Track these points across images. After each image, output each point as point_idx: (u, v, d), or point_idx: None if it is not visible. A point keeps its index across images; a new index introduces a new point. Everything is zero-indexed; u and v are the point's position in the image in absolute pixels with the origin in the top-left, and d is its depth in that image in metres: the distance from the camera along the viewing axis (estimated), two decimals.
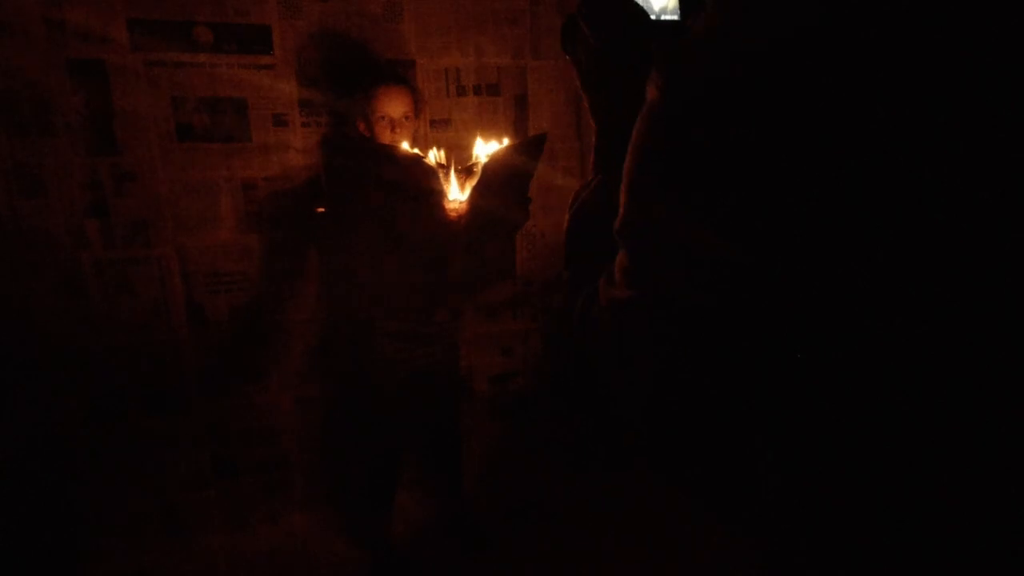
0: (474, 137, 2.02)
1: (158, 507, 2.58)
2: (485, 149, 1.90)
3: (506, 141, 1.91)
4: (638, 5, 0.98)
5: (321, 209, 2.28)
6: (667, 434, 0.91)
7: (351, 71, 2.50)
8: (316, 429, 2.76)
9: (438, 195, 1.81)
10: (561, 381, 3.07)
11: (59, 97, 2.22)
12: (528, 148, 1.96)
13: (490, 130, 2.74)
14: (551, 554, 2.52)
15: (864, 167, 0.71)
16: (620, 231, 0.82)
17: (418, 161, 1.80)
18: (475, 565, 2.51)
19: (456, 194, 1.84)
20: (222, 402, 2.60)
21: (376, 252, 2.03)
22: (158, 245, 2.41)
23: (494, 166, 1.80)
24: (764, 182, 0.72)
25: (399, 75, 2.43)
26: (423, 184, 1.80)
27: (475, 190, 1.82)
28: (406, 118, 2.23)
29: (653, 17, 1.05)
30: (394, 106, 2.21)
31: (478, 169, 1.83)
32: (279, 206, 2.53)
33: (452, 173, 1.84)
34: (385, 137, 2.21)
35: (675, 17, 1.06)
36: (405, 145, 2.07)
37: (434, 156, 1.90)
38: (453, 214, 1.82)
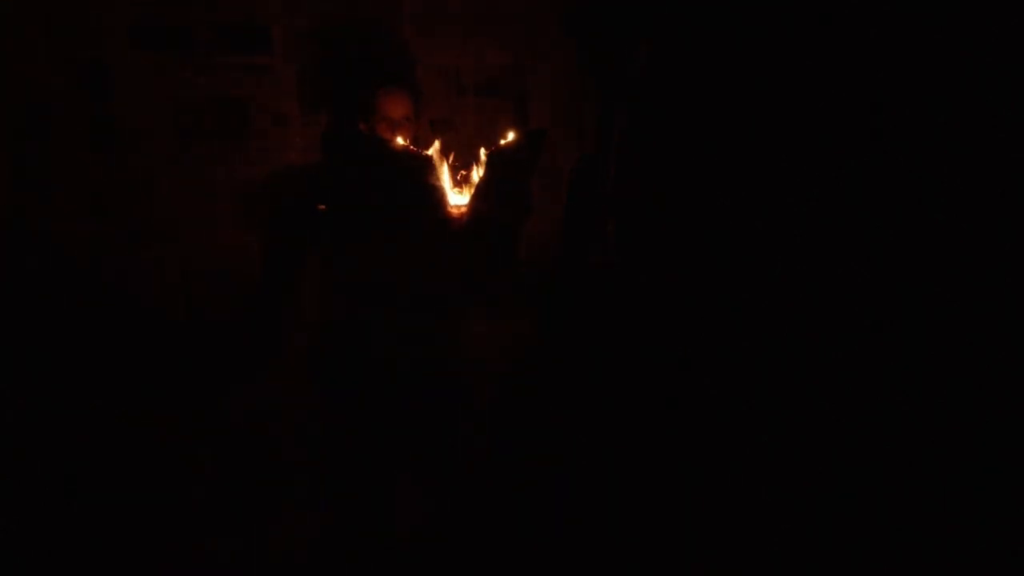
0: (474, 140, 2.04)
1: (157, 507, 2.58)
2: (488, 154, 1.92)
3: (511, 135, 1.92)
4: None
5: (322, 207, 2.28)
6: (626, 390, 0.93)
7: (351, 71, 2.50)
8: (316, 428, 2.75)
9: (439, 191, 1.83)
10: (552, 346, 3.02)
11: (59, 97, 2.22)
12: (529, 143, 1.98)
13: (490, 131, 2.74)
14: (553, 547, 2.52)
15: (864, 167, 0.72)
16: (610, 201, 0.84)
17: (417, 156, 1.82)
18: (478, 559, 2.51)
19: (457, 199, 1.86)
20: (221, 402, 2.60)
21: (376, 250, 2.04)
22: (158, 245, 2.41)
23: (495, 163, 1.82)
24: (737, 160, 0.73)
25: (400, 76, 2.43)
26: (422, 180, 1.82)
27: (477, 187, 1.83)
28: (407, 120, 2.24)
29: None
30: (394, 108, 2.22)
31: (479, 166, 1.85)
32: (279, 206, 2.53)
33: (446, 167, 1.86)
34: (386, 138, 2.21)
35: None
36: (400, 140, 2.07)
37: (434, 150, 1.92)
38: (454, 211, 1.84)
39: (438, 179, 1.83)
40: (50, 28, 2.18)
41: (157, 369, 2.49)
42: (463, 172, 1.88)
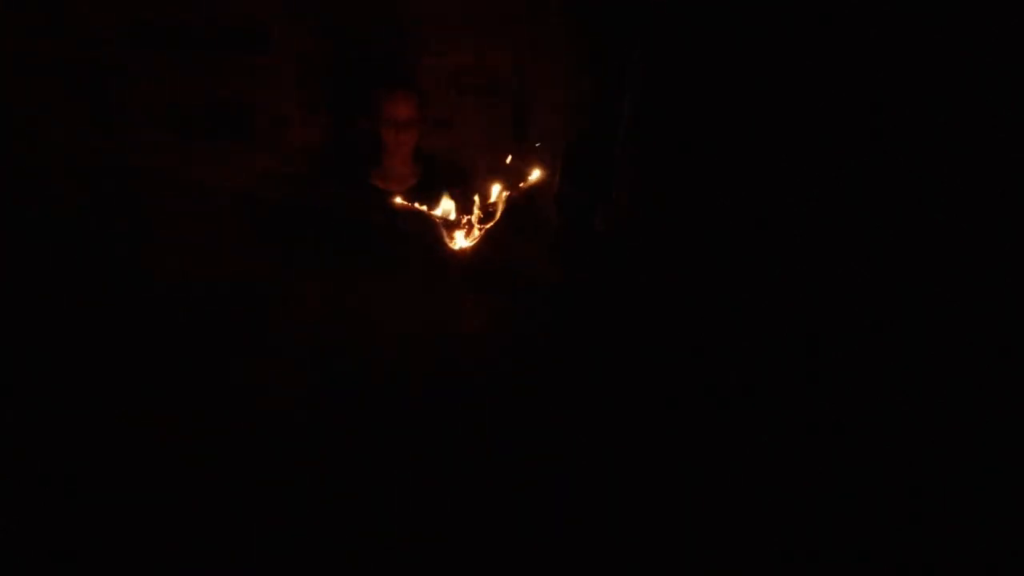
0: (475, 141, 2.02)
1: (157, 507, 2.57)
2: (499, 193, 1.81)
3: (536, 174, 1.81)
4: None
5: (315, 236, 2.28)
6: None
7: (352, 72, 2.50)
8: (318, 428, 2.75)
9: (439, 245, 1.79)
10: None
11: (60, 98, 2.22)
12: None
13: (491, 132, 2.73)
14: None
15: (864, 167, 0.72)
16: (618, 180, 0.85)
17: (418, 215, 1.77)
18: (478, 559, 2.51)
19: (462, 241, 1.79)
20: (223, 401, 2.60)
21: (377, 288, 2.03)
22: (159, 244, 2.42)
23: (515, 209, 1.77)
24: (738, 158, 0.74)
25: (404, 78, 2.43)
26: (424, 236, 1.80)
27: (491, 233, 1.77)
28: (411, 121, 2.24)
29: None
30: (399, 110, 2.22)
31: (496, 210, 1.76)
32: (279, 206, 2.53)
33: (461, 220, 1.79)
34: (390, 139, 2.21)
35: None
36: (399, 200, 1.98)
37: (445, 208, 1.83)
38: (459, 253, 1.78)
39: (434, 231, 1.78)
40: (50, 28, 2.18)
41: (157, 368, 2.49)
42: (469, 219, 1.78)
